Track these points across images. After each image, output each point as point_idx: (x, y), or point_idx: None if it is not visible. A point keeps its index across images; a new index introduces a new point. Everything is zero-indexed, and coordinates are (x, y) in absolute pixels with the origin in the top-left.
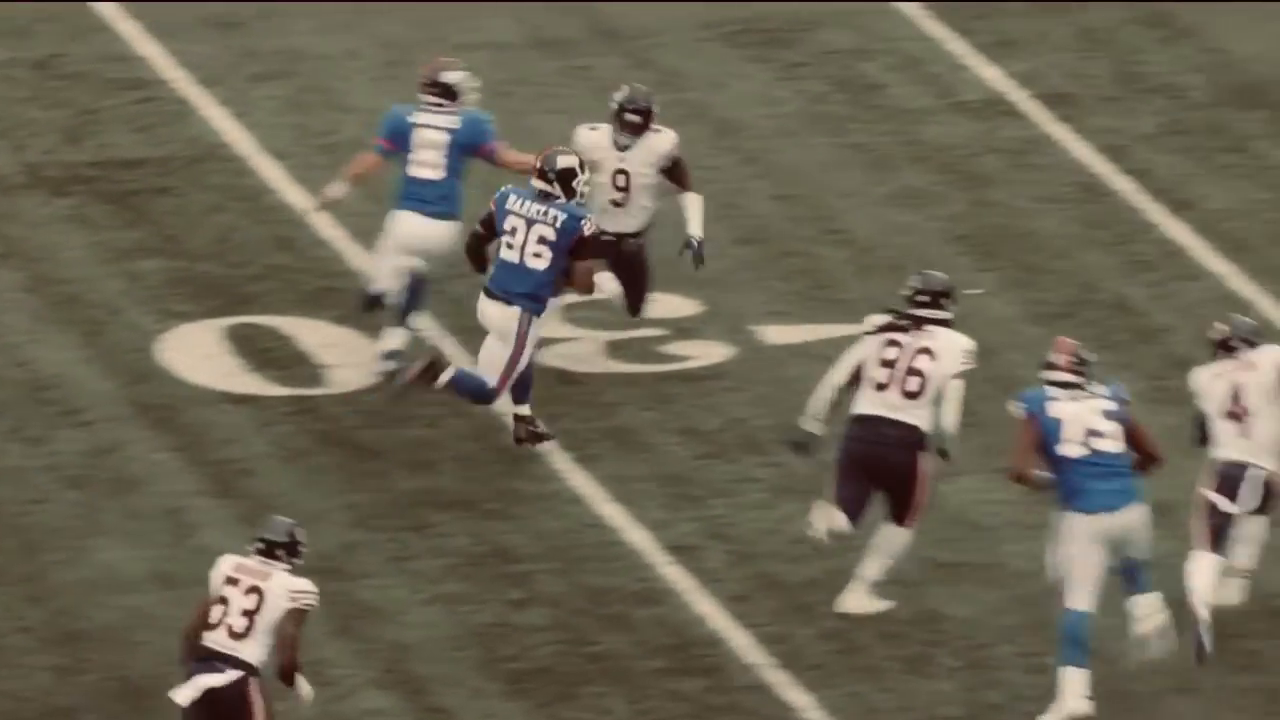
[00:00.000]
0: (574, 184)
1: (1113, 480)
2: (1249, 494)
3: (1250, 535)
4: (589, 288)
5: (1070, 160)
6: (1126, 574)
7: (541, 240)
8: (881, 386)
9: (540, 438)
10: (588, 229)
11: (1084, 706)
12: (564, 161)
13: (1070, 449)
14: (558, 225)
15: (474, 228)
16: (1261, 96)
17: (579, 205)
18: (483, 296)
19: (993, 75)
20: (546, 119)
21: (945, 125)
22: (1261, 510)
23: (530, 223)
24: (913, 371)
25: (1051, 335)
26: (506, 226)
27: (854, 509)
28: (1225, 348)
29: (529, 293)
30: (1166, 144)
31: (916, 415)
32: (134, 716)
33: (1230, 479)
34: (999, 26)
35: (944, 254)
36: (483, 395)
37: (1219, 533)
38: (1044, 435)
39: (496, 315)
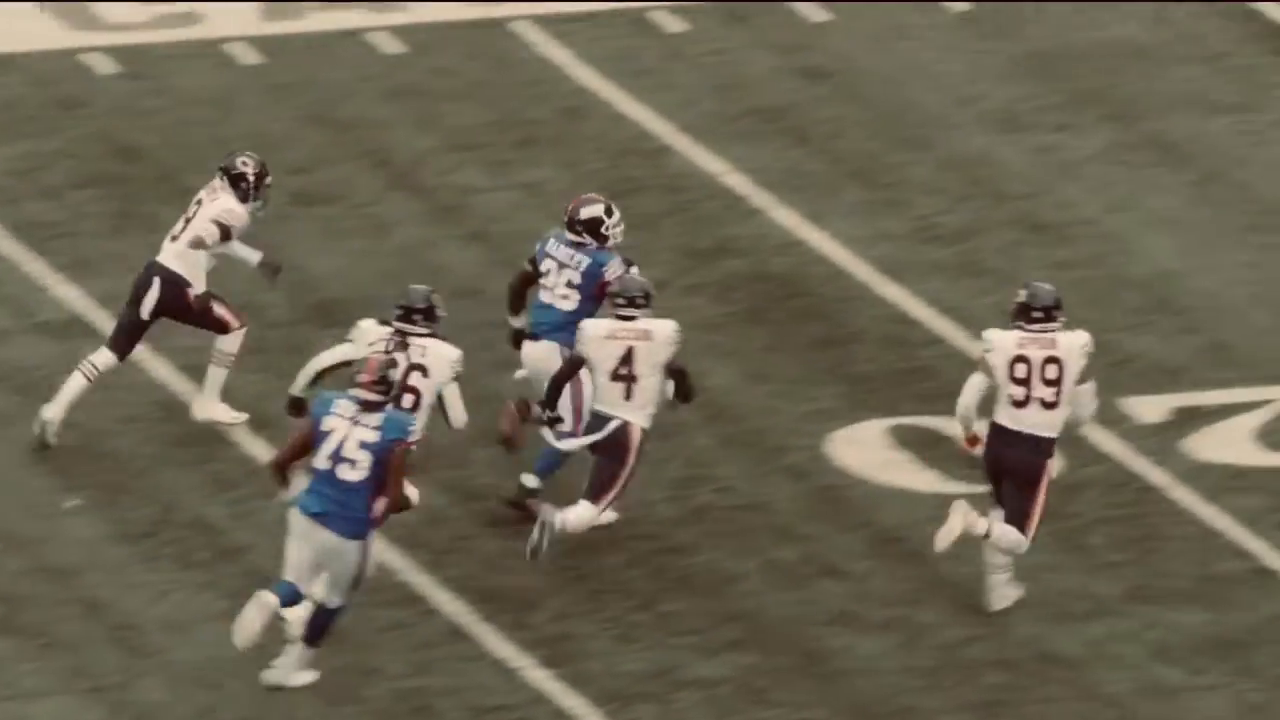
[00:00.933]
0: (602, 230)
1: (328, 500)
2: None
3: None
4: None
5: (149, 379)
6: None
7: (569, 284)
8: None
9: (527, 511)
10: (609, 273)
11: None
12: (588, 211)
13: (320, 462)
14: (582, 270)
15: (523, 266)
16: (336, 314)
17: (608, 251)
18: (525, 342)
19: (72, 295)
20: None
21: (25, 346)
22: (610, 453)
23: (562, 266)
24: (408, 389)
25: (135, 555)
26: (544, 268)
27: None
28: (629, 303)
29: (556, 325)
30: (247, 363)
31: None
32: None
33: (596, 428)
34: (76, 246)
35: (23, 476)
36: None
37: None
38: (314, 439)
39: (533, 353)
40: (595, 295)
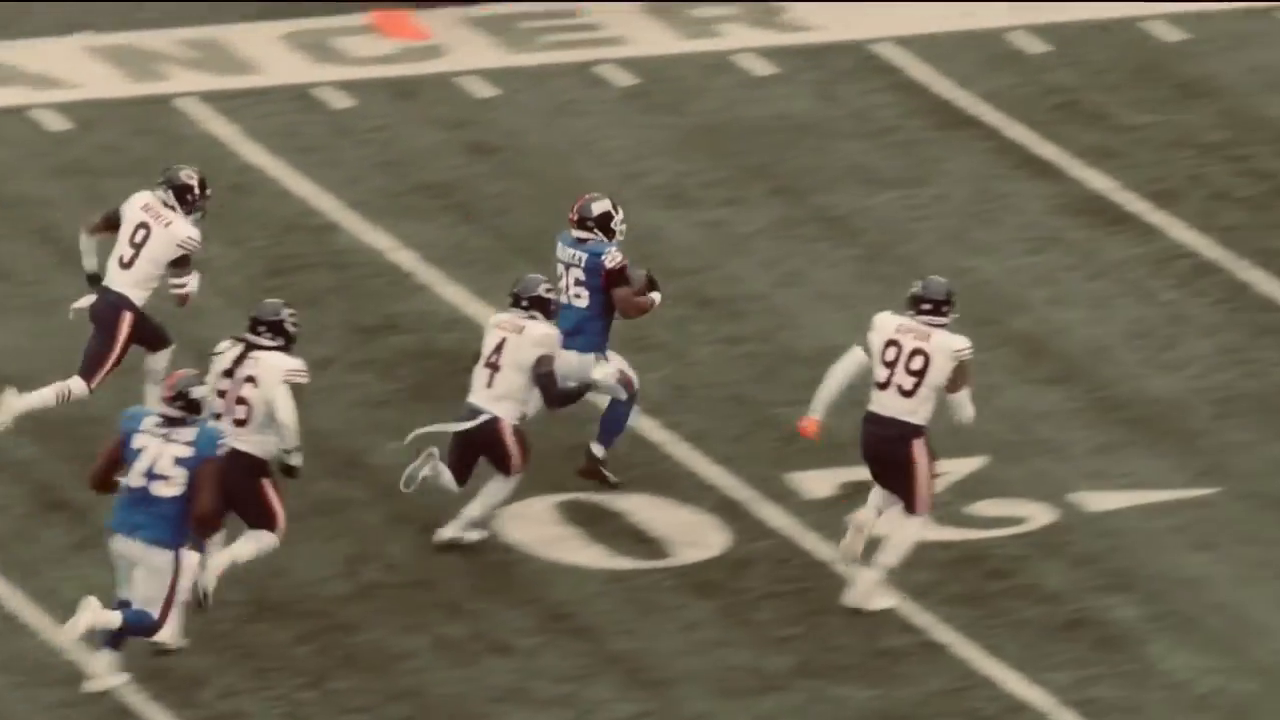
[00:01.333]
0: (612, 225)
1: (139, 513)
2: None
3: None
4: (637, 308)
5: None
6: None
7: (577, 282)
8: (218, 416)
9: (604, 479)
10: (609, 262)
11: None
12: (599, 207)
13: (134, 480)
14: (584, 265)
15: None
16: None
17: (611, 243)
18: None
19: None
20: None
21: None
22: (492, 454)
23: (568, 267)
24: (240, 400)
25: None
26: (557, 274)
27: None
28: (515, 301)
29: (575, 326)
30: None
31: (250, 442)
32: None
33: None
34: None
35: None
36: (619, 425)
37: (464, 466)
38: (124, 454)
39: (563, 366)
40: (603, 287)
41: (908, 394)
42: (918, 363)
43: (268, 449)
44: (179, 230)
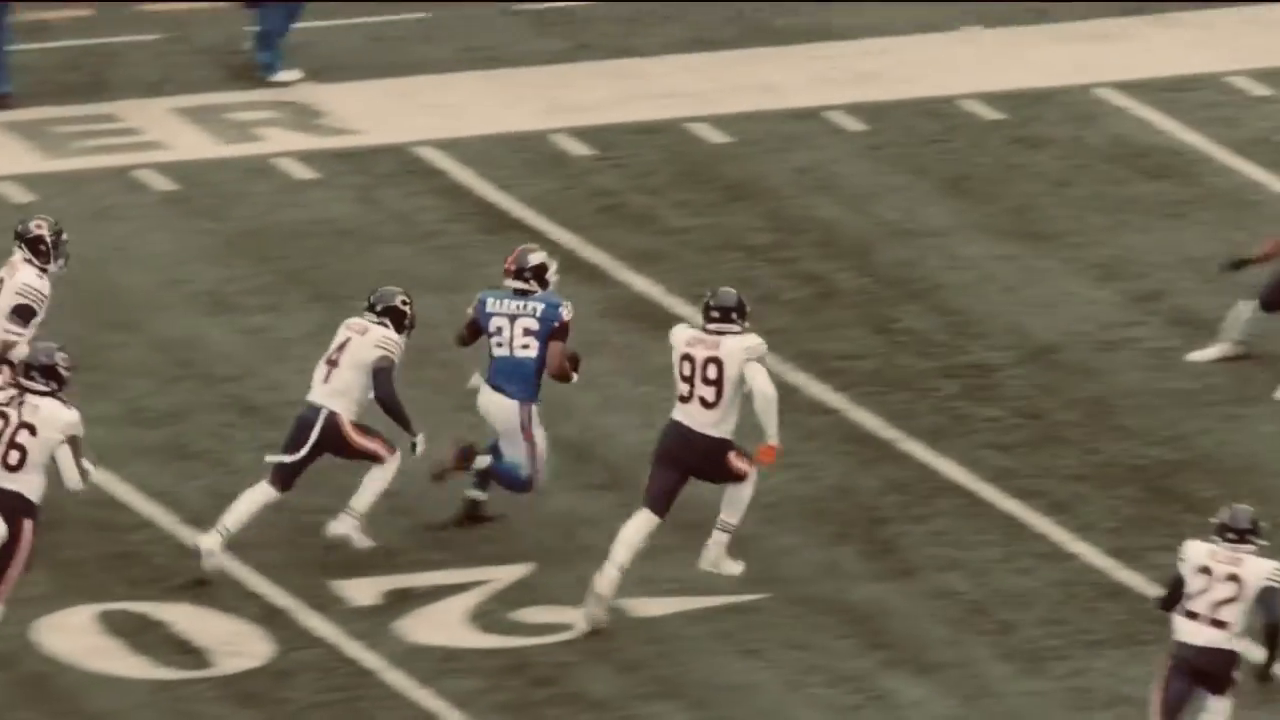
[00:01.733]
0: (546, 277)
1: None
2: (311, 436)
3: None
4: (561, 368)
5: None
6: None
7: (526, 331)
8: None
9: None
10: (566, 314)
11: None
12: (535, 259)
13: None
14: (539, 315)
15: (459, 332)
16: None
17: (554, 294)
18: (484, 388)
19: None
20: None
21: None
22: (336, 449)
23: (514, 318)
24: (14, 445)
25: None
26: (492, 327)
27: None
28: (370, 307)
29: (525, 377)
30: None
31: (21, 483)
32: None
33: (305, 422)
34: None
35: None
36: (519, 486)
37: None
38: None
39: (496, 410)
40: (552, 337)
41: (710, 405)
42: (713, 371)
43: (36, 490)
44: (19, 278)
